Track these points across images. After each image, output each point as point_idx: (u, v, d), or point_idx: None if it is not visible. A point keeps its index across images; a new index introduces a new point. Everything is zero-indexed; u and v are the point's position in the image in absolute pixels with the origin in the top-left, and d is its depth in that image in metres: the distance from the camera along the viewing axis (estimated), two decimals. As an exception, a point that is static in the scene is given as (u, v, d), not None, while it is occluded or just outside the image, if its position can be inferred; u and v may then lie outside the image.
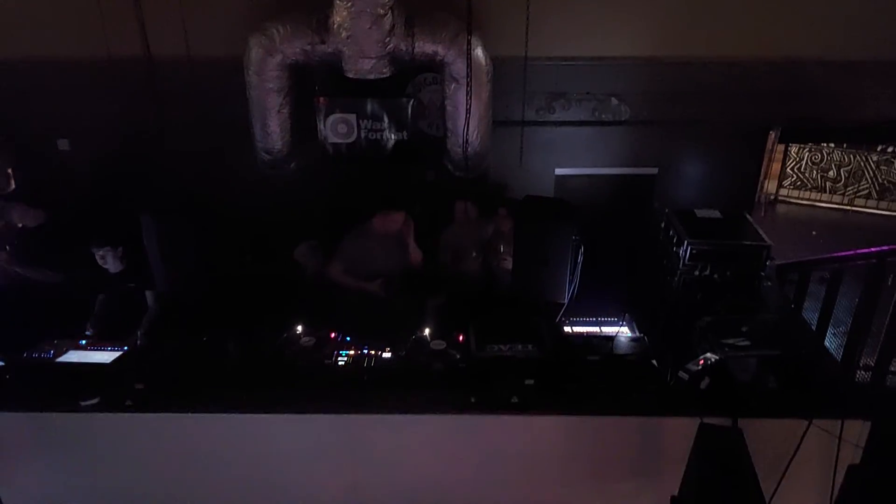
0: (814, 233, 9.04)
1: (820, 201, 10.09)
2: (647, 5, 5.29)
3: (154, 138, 5.43)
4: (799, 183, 10.22)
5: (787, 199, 10.22)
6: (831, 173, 9.93)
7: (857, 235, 8.98)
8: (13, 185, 5.33)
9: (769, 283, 5.07)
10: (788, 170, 10.17)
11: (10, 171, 5.33)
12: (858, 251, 4.22)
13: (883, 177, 9.65)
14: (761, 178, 9.38)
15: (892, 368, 3.96)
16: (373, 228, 4.72)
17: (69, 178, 5.60)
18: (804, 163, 9.97)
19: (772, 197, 10.08)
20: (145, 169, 5.39)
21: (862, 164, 9.72)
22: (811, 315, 4.77)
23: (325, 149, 5.46)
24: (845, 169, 9.84)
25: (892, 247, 3.90)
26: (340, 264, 4.69)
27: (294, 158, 5.39)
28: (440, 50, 4.79)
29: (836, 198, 10.00)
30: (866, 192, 9.88)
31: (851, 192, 9.90)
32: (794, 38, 5.33)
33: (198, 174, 5.34)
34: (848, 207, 9.91)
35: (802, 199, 10.17)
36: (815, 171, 9.98)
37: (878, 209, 9.77)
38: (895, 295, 3.88)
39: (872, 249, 4.02)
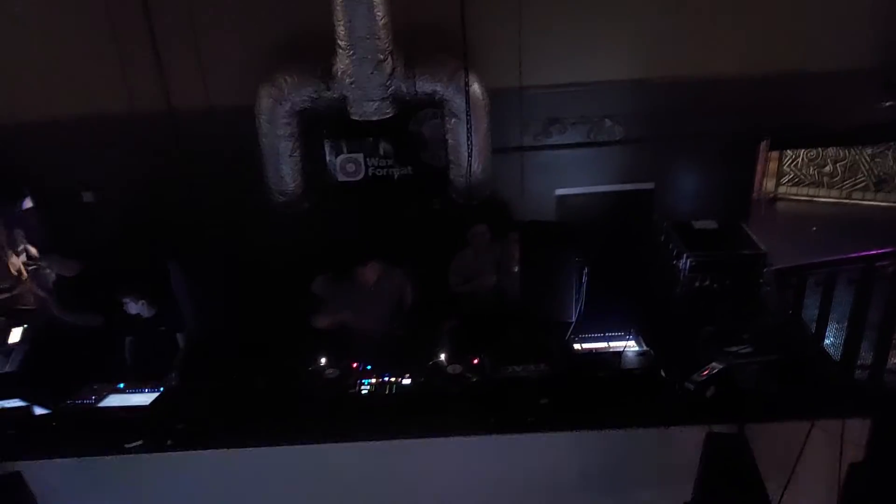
0: (814, 228, 9.19)
1: (818, 196, 10.23)
2: (633, 29, 5.51)
3: (176, 186, 5.71)
4: (797, 180, 10.37)
5: (787, 196, 10.36)
6: (827, 168, 10.08)
7: (857, 228, 9.12)
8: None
9: (768, 289, 5.25)
10: (785, 167, 10.33)
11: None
12: (849, 255, 4.39)
13: (878, 169, 9.80)
14: (759, 176, 9.57)
15: (894, 362, 4.12)
16: (357, 281, 4.90)
17: (94, 229, 5.87)
18: (800, 160, 10.13)
19: (771, 195, 10.25)
20: (169, 216, 5.66)
21: (857, 158, 9.88)
22: (814, 315, 4.90)
23: (336, 187, 5.73)
24: (841, 164, 9.98)
25: (880, 251, 4.08)
26: (327, 317, 4.88)
27: (307, 198, 5.65)
28: (439, 88, 5.04)
29: (834, 192, 10.13)
30: (863, 184, 10.01)
31: (849, 185, 10.04)
32: (775, 54, 5.54)
33: (218, 217, 5.60)
34: (846, 201, 10.04)
35: (801, 195, 10.31)
36: (811, 168, 10.13)
37: (875, 201, 9.92)
38: (889, 292, 4.05)
39: (862, 254, 4.21)
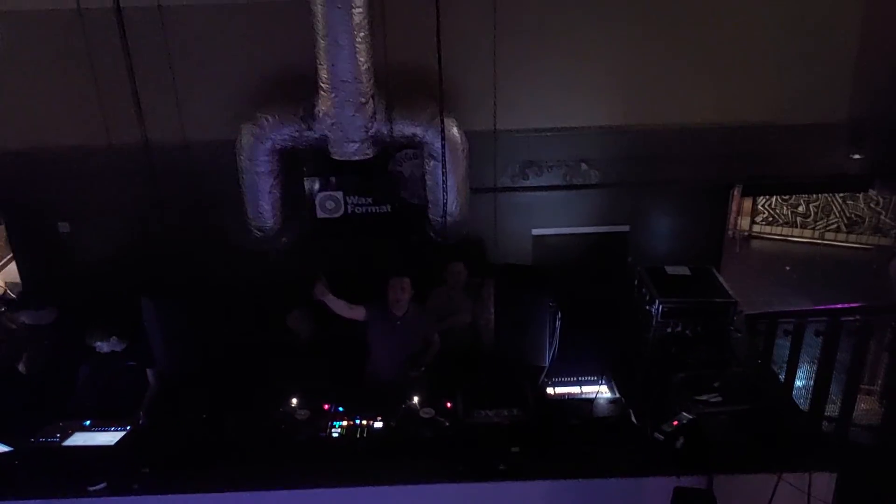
0: (787, 268, 9.38)
1: (792, 236, 10.45)
2: (609, 78, 5.67)
3: (151, 219, 5.68)
4: (771, 219, 10.58)
5: (761, 235, 10.57)
6: (801, 209, 10.31)
7: (829, 269, 9.33)
8: None
9: (739, 335, 5.32)
10: (760, 206, 10.55)
11: None
12: (816, 308, 4.51)
13: (850, 211, 10.04)
14: (733, 215, 9.74)
15: (863, 407, 4.19)
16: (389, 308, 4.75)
17: (69, 261, 5.80)
18: (774, 199, 10.35)
19: (745, 233, 10.45)
20: (143, 250, 5.62)
21: (830, 199, 10.12)
22: (784, 356, 4.96)
23: (315, 224, 5.76)
24: (814, 205, 10.23)
25: (845, 305, 4.19)
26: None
27: (285, 233, 5.66)
28: (419, 131, 5.12)
29: (807, 232, 10.36)
30: (835, 226, 10.26)
31: (821, 226, 10.27)
32: (748, 105, 5.73)
33: (194, 252, 5.57)
34: (819, 241, 10.27)
35: (775, 234, 10.53)
36: (785, 208, 10.36)
37: (847, 242, 10.14)
38: (854, 348, 4.13)
39: (829, 307, 4.32)
